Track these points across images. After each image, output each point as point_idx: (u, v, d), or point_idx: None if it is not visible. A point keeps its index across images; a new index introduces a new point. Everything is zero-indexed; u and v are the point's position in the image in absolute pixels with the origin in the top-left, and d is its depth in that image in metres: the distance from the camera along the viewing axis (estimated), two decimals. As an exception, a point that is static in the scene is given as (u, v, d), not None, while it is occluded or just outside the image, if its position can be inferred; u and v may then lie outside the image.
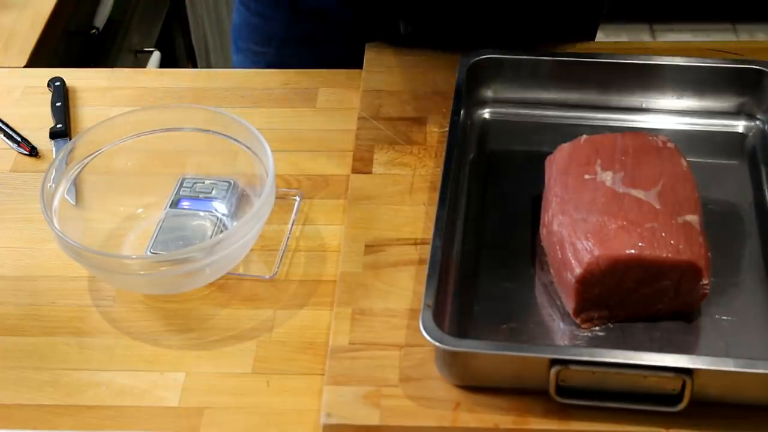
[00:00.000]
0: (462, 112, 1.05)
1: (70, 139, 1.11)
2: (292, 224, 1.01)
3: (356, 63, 1.19)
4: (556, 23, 1.23)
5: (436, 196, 0.95)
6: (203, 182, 1.03)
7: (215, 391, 0.88)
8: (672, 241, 0.87)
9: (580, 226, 0.89)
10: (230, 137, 1.02)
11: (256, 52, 1.30)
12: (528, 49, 1.12)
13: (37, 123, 1.15)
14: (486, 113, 1.12)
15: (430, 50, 1.19)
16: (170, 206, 1.02)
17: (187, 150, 1.05)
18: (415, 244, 0.97)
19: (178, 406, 0.87)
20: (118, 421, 0.86)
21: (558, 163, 0.97)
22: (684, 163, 0.95)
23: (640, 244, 0.86)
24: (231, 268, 0.96)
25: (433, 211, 0.94)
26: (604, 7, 1.28)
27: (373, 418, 0.83)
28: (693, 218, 0.89)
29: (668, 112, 1.10)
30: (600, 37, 1.30)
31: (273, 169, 0.95)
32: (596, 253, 0.86)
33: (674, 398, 0.82)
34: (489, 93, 1.12)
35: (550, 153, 1.00)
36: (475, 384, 0.85)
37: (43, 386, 0.89)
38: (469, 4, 1.19)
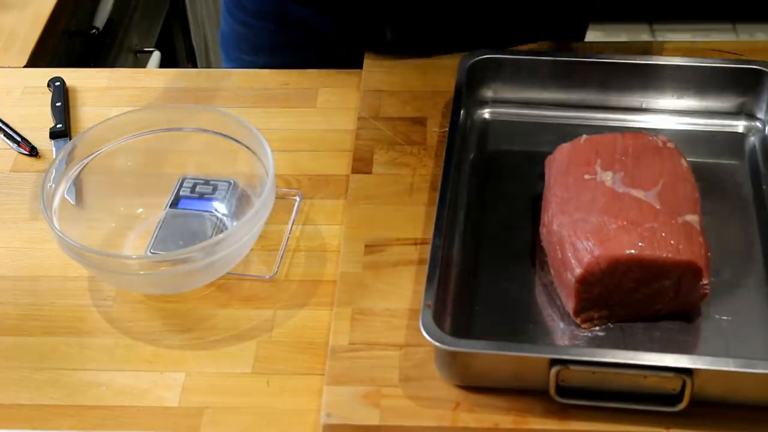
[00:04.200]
0: (462, 112, 1.05)
1: (70, 139, 1.11)
2: (292, 224, 1.01)
3: (354, 64, 1.19)
4: (539, 29, 1.21)
5: (436, 196, 0.95)
6: (203, 182, 1.03)
7: (215, 391, 0.88)
8: (672, 241, 0.87)
9: (580, 226, 0.89)
10: (230, 137, 1.02)
11: (247, 60, 1.28)
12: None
13: (37, 123, 1.15)
14: (486, 113, 1.12)
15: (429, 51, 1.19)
16: (170, 206, 1.01)
17: (187, 150, 1.05)
18: (415, 244, 0.97)
19: (178, 406, 0.87)
20: (118, 421, 0.86)
21: (558, 163, 0.97)
22: (684, 163, 0.95)
23: (640, 244, 0.86)
24: (231, 268, 0.96)
25: (433, 211, 0.94)
26: (591, 10, 1.27)
27: (373, 418, 0.83)
28: (693, 218, 0.89)
29: (668, 112, 1.10)
30: (600, 37, 1.31)
31: (273, 169, 0.95)
32: (596, 253, 0.86)
33: (674, 398, 0.82)
34: (489, 93, 1.12)
35: (550, 153, 1.00)
36: (475, 384, 0.85)
37: (43, 386, 0.89)
38: (452, 12, 1.18)
